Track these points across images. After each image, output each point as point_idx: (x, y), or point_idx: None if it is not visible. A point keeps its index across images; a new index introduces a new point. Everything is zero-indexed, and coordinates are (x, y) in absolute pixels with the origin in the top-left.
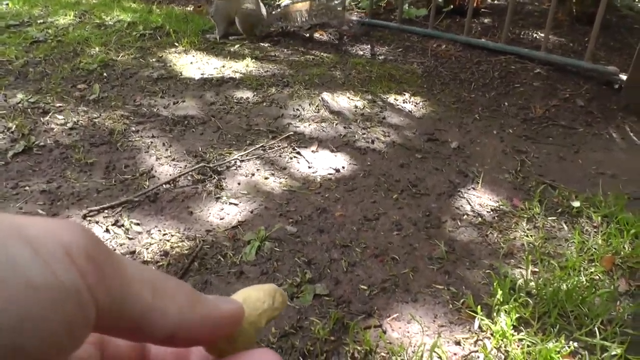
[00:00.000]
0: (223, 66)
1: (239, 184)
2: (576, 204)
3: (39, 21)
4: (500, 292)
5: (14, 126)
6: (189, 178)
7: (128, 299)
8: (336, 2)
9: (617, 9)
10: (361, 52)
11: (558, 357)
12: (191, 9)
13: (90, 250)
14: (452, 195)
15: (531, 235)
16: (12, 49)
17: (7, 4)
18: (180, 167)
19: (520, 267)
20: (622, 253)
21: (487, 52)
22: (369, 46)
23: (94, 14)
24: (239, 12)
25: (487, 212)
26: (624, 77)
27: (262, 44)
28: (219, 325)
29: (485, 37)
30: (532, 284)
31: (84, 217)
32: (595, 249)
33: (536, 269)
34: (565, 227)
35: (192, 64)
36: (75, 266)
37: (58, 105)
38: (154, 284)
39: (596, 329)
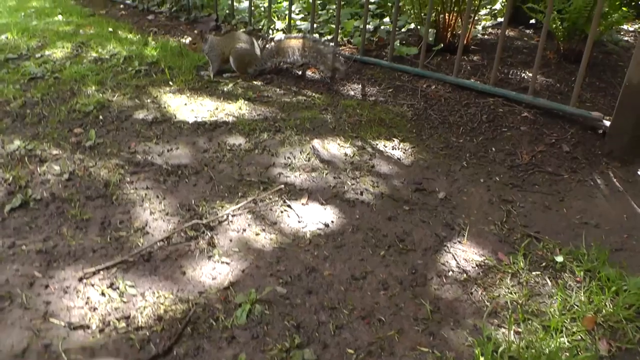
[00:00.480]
0: (216, 108)
1: (230, 240)
2: (559, 258)
3: (36, 55)
4: (482, 358)
5: (11, 177)
6: (182, 234)
7: None
8: (326, 48)
9: (603, 44)
10: (352, 93)
11: None
12: (187, 41)
13: None
14: (438, 251)
15: (515, 293)
16: (10, 87)
17: (7, 36)
18: (174, 223)
19: (504, 327)
20: (603, 311)
21: (475, 93)
22: (360, 86)
23: (91, 46)
24: (233, 51)
25: (472, 267)
26: (607, 123)
27: (255, 82)
28: None
29: (474, 77)
30: (514, 346)
31: (80, 279)
32: (577, 306)
33: (519, 329)
34: (549, 283)
35: (186, 105)
36: None
37: (54, 153)
38: None
39: None
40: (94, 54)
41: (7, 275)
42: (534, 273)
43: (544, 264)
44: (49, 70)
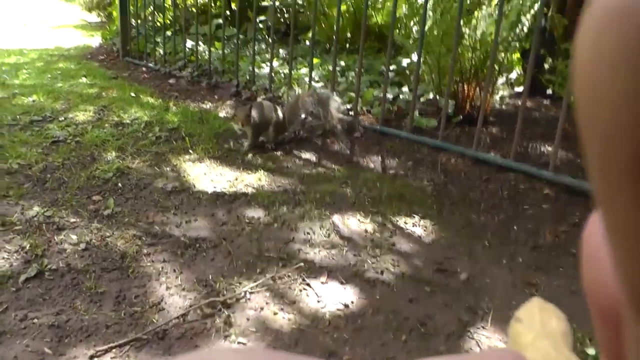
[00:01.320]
0: (236, 179)
1: (247, 319)
2: (591, 351)
3: (60, 117)
4: None
5: (28, 245)
6: (199, 312)
7: None
8: (325, 93)
9: None
10: (372, 165)
11: None
12: (236, 122)
13: None
14: (461, 336)
15: None
16: (33, 150)
17: (34, 99)
18: (190, 299)
19: None
20: None
21: (496, 168)
22: (379, 157)
23: (113, 110)
24: (274, 123)
25: None
26: None
27: (275, 152)
28: None
29: (493, 150)
30: None
31: (91, 358)
32: None
33: None
34: None
35: (206, 175)
36: None
37: (72, 220)
38: None
39: None
40: (116, 118)
41: (17, 351)
42: None
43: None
44: (70, 134)
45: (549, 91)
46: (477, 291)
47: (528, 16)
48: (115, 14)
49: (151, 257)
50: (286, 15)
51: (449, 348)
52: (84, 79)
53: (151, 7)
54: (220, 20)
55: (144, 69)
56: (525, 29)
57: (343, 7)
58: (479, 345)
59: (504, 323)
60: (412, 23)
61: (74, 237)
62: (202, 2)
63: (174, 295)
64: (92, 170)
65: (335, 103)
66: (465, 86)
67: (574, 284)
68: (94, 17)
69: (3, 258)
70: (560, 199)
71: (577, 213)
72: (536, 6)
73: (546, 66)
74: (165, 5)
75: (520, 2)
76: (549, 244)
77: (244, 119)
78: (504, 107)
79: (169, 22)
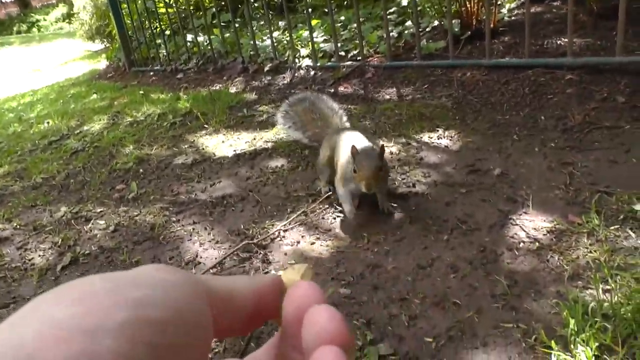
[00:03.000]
0: (254, 138)
1: (285, 254)
2: (639, 206)
3: (76, 132)
4: (572, 320)
5: (60, 240)
6: (235, 258)
7: (217, 283)
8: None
9: None
10: (387, 96)
11: None
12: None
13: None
14: (504, 225)
15: (595, 251)
16: (54, 164)
17: (48, 122)
18: (225, 249)
19: (590, 288)
20: None
21: (513, 70)
22: (394, 89)
23: (126, 112)
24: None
25: (544, 235)
26: None
27: None
28: (269, 291)
29: (508, 56)
30: (607, 304)
31: None
32: None
33: (608, 287)
34: (632, 235)
35: (224, 143)
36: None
37: (99, 210)
38: (224, 277)
39: None
40: (129, 119)
41: None
42: (612, 228)
43: (621, 216)
44: (88, 142)
45: None
46: (513, 182)
47: None
48: (114, 30)
49: (181, 223)
50: None
51: (493, 238)
52: (94, 96)
53: (145, 13)
54: (214, 10)
55: (151, 73)
56: None
57: None
58: (523, 229)
59: (546, 204)
60: None
61: (102, 222)
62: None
63: (208, 250)
64: (112, 165)
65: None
66: (468, 4)
67: (612, 154)
68: (97, 45)
69: (40, 256)
70: (584, 80)
71: (604, 89)
72: None
73: None
74: (158, 8)
75: None
76: (580, 124)
77: (373, 174)
78: (513, 18)
79: (165, 25)
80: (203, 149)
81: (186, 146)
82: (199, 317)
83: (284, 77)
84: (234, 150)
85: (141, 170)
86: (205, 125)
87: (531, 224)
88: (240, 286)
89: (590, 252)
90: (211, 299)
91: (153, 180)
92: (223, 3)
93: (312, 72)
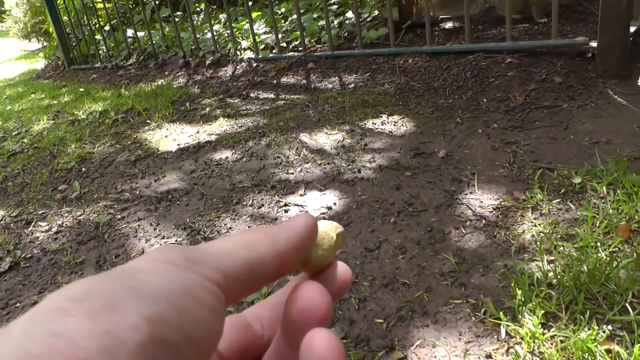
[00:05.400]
0: (197, 132)
1: None
2: (577, 179)
3: (14, 133)
4: (519, 291)
5: None
6: None
7: (235, 264)
8: None
9: None
10: (330, 86)
11: (596, 347)
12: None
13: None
14: (450, 205)
15: (539, 224)
16: None
17: None
18: (172, 243)
19: (536, 260)
20: (636, 217)
21: (454, 55)
22: (336, 78)
23: (67, 111)
24: None
25: (490, 212)
26: (594, 44)
27: (230, 100)
28: (300, 241)
29: (449, 42)
30: (551, 274)
31: None
32: (607, 220)
33: (552, 257)
34: (572, 206)
35: (167, 137)
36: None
37: (40, 212)
38: (242, 244)
39: (628, 304)
40: (70, 118)
41: None
42: (554, 201)
43: (562, 190)
44: (27, 144)
45: None
46: (458, 163)
47: None
48: (51, 28)
49: (126, 220)
50: None
51: (440, 218)
52: (32, 96)
53: (83, 9)
54: (154, 4)
55: (91, 70)
56: None
57: None
58: (469, 208)
59: (491, 183)
60: None
61: (44, 224)
62: None
63: (154, 245)
64: (53, 166)
65: None
66: None
67: (552, 132)
68: (34, 45)
69: None
70: (523, 63)
71: (543, 71)
72: None
73: None
74: (95, 3)
75: None
76: (521, 104)
77: None
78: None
79: (104, 21)
80: (146, 144)
81: (129, 143)
82: (214, 336)
83: (226, 70)
84: (178, 145)
85: (84, 169)
86: (148, 121)
87: (477, 203)
88: (261, 254)
89: (535, 225)
90: (229, 289)
91: (96, 178)
92: None
93: (255, 64)
